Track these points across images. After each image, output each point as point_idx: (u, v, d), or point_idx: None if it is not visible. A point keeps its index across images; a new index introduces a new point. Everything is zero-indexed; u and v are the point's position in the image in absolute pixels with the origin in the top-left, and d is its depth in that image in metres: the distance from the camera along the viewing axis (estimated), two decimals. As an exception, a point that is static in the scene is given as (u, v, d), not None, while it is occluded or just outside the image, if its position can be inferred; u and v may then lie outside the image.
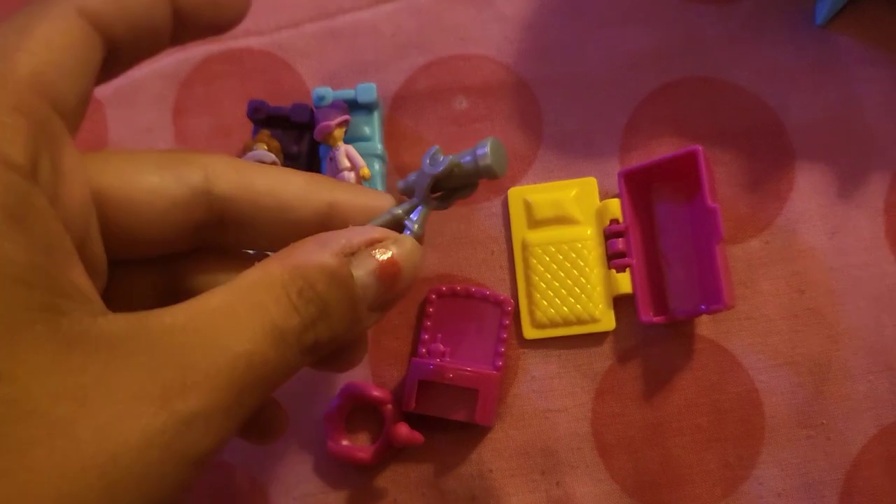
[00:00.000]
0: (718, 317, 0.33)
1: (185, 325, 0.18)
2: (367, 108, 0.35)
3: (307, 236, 0.21)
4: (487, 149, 0.24)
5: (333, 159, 0.34)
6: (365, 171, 0.34)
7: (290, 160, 0.35)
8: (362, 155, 0.34)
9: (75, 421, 0.16)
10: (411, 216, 0.24)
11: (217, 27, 0.23)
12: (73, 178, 0.19)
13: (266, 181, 0.23)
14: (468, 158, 0.24)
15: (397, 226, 0.24)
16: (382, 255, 0.21)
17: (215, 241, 0.23)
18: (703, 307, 0.31)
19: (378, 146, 0.35)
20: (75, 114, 0.20)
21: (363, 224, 0.23)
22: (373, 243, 0.21)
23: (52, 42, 0.19)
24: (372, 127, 0.35)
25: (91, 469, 0.15)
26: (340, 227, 0.22)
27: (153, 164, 0.22)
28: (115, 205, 0.21)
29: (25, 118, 0.18)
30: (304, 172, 0.24)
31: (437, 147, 0.25)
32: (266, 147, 0.34)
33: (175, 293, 0.24)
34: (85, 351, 0.16)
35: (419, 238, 0.24)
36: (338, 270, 0.20)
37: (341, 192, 0.23)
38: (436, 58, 0.37)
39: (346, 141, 0.34)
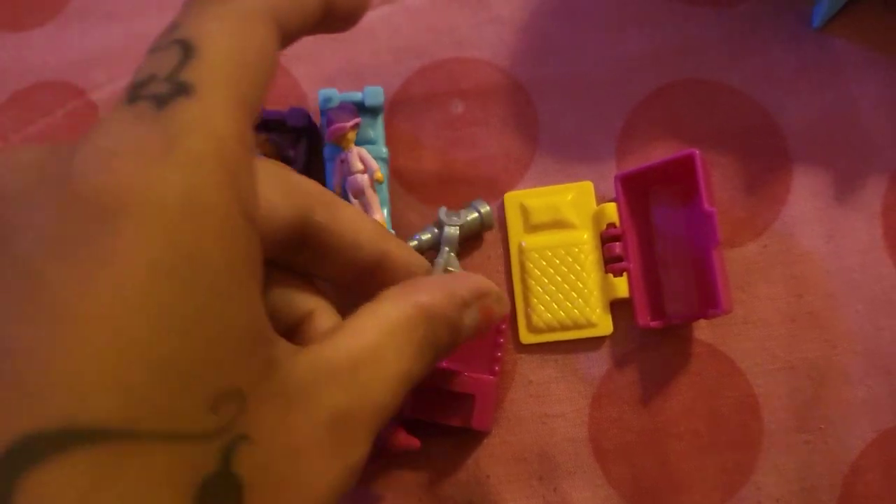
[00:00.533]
0: (716, 321, 0.32)
1: (350, 366, 0.19)
2: (373, 111, 0.35)
3: (362, 274, 0.25)
4: (486, 204, 0.34)
5: (345, 161, 0.33)
6: (379, 174, 0.34)
7: (286, 164, 0.35)
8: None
9: (298, 478, 0.17)
10: (450, 264, 0.32)
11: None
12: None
13: (349, 217, 0.25)
14: (474, 214, 0.33)
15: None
16: (487, 311, 0.24)
17: (289, 260, 0.24)
18: (700, 312, 0.31)
19: (383, 150, 0.35)
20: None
21: (404, 275, 0.26)
22: (483, 295, 0.24)
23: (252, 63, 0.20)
24: (376, 130, 0.35)
25: None
26: (386, 273, 0.25)
27: (272, 179, 0.23)
28: None
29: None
30: (371, 219, 0.26)
31: (444, 207, 0.33)
32: (262, 151, 0.34)
33: None
34: (292, 405, 0.18)
35: None
36: (456, 322, 0.23)
37: (394, 245, 0.26)
38: (432, 61, 0.37)
39: (355, 144, 0.34)
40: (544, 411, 0.32)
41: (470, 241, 0.34)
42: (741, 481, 0.31)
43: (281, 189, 0.23)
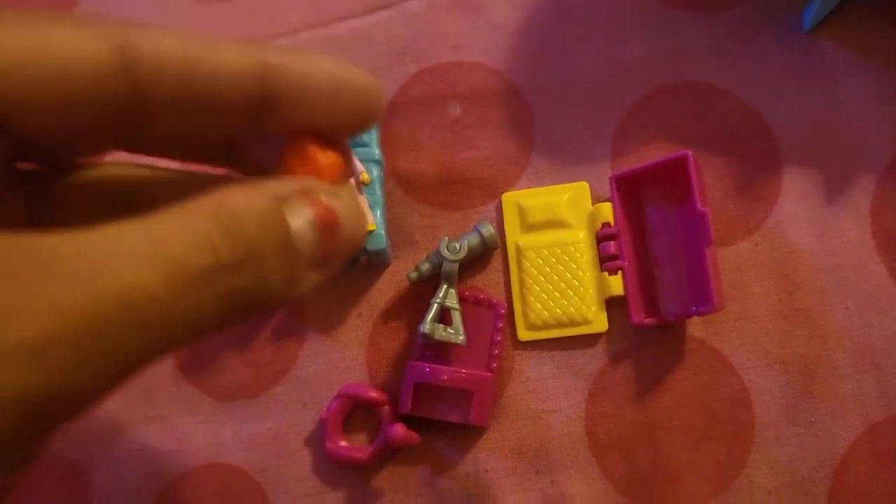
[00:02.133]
0: (709, 318, 0.33)
1: (57, 248, 0.15)
2: None
3: (239, 114, 0.19)
4: (489, 226, 0.34)
5: None
6: (365, 176, 0.34)
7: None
8: (361, 160, 0.34)
9: None
10: (447, 300, 0.32)
11: (323, 131, 0.20)
12: None
13: (194, 41, 0.18)
14: (476, 239, 0.33)
15: (442, 312, 0.31)
16: (319, 204, 0.18)
17: (139, 127, 0.19)
18: (693, 309, 0.31)
19: (376, 151, 0.35)
20: (20, 118, 0.17)
21: (307, 87, 0.19)
22: (307, 193, 0.18)
23: (49, 45, 0.16)
24: (370, 133, 0.35)
25: None
26: (280, 94, 0.19)
27: (48, 23, 0.17)
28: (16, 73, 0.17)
29: None
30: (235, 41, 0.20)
31: (445, 238, 0.33)
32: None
33: None
34: None
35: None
36: (271, 213, 0.17)
37: (281, 55, 0.19)
38: (429, 65, 0.37)
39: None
40: (541, 407, 0.33)
41: (476, 261, 0.35)
42: (734, 474, 0.32)
43: (91, 31, 0.17)
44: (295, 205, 0.18)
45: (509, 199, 0.35)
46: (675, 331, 0.33)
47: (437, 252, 0.34)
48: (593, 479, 0.32)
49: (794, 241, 0.34)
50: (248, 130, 0.19)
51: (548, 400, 0.33)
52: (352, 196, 0.19)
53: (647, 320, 0.32)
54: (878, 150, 0.34)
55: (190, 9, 0.39)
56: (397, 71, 0.37)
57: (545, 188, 0.35)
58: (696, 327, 0.33)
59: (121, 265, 0.15)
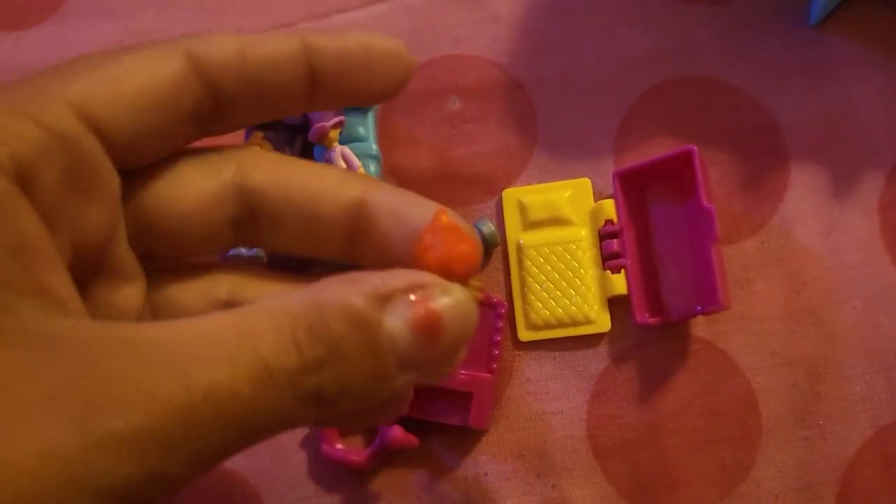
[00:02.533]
0: (714, 318, 0.33)
1: (153, 341, 0.16)
2: (362, 108, 0.35)
3: (297, 92, 0.20)
4: (490, 223, 0.33)
5: (329, 161, 0.34)
6: (361, 172, 0.34)
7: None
8: (358, 156, 0.34)
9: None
10: None
11: (367, 97, 0.22)
12: (94, 195, 0.19)
13: (300, 172, 0.21)
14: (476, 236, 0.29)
15: None
16: (424, 305, 0.17)
17: (253, 239, 0.22)
18: (698, 308, 0.31)
19: (373, 147, 0.34)
20: (130, 147, 0.19)
21: (397, 227, 0.20)
22: (415, 288, 0.17)
23: (133, 75, 0.19)
24: (366, 127, 0.35)
25: None
26: (371, 227, 0.20)
27: (183, 158, 0.21)
28: (145, 206, 0.20)
29: (38, 127, 0.17)
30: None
31: None
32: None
33: None
34: (16, 347, 0.15)
35: None
36: (361, 311, 0.17)
37: (375, 190, 0.20)
38: (429, 58, 0.37)
39: (342, 142, 0.34)
40: (542, 408, 0.32)
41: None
42: (740, 477, 0.31)
43: (203, 163, 0.21)
44: (395, 303, 0.17)
45: (510, 195, 0.34)
46: (679, 331, 0.33)
47: None
48: (595, 482, 0.32)
49: (800, 238, 0.33)
50: (306, 108, 0.21)
51: (549, 401, 0.33)
52: (464, 298, 0.18)
53: (650, 320, 0.32)
54: (887, 145, 0.34)
55: (187, 1, 0.38)
56: (396, 65, 0.37)
57: (546, 185, 0.34)
58: (700, 327, 0.33)
59: (211, 363, 0.15)
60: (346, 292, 0.17)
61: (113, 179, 0.19)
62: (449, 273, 0.19)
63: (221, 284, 0.22)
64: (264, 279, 0.22)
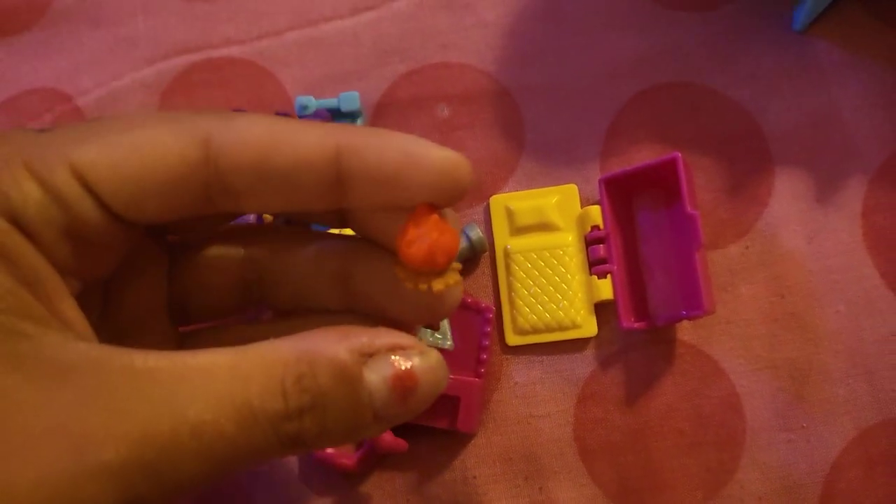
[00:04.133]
0: (699, 322, 0.33)
1: (151, 373, 0.17)
2: (351, 116, 0.35)
3: (318, 195, 0.20)
4: (477, 229, 0.33)
5: None
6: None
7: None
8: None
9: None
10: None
11: (406, 206, 0.20)
12: (96, 251, 0.20)
13: (276, 132, 0.20)
14: (464, 242, 0.32)
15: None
16: (402, 365, 0.19)
17: (230, 206, 0.21)
18: (683, 313, 0.31)
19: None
20: (132, 215, 0.19)
21: (379, 167, 0.20)
22: (396, 349, 0.19)
23: (141, 153, 0.19)
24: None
25: None
26: (353, 184, 0.20)
27: (141, 126, 0.20)
28: (108, 178, 0.19)
29: (41, 188, 0.18)
30: (318, 123, 0.21)
31: None
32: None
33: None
34: (25, 375, 0.16)
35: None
36: (347, 367, 0.18)
37: (351, 136, 0.20)
38: (417, 66, 0.37)
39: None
40: (530, 412, 0.33)
41: (464, 265, 0.34)
42: (725, 479, 0.32)
43: (177, 129, 0.20)
44: (377, 360, 0.19)
45: (497, 201, 0.35)
46: (665, 335, 0.33)
47: None
48: (582, 485, 0.32)
49: (785, 243, 0.33)
50: (328, 206, 0.20)
51: (536, 405, 0.33)
52: (437, 360, 0.20)
53: (636, 325, 0.32)
54: (870, 150, 0.34)
55: (176, 8, 0.38)
56: (385, 71, 0.37)
57: (533, 191, 0.35)
58: (686, 331, 0.33)
59: (201, 401, 0.17)
60: (336, 346, 0.18)
61: (115, 232, 0.20)
62: (432, 264, 0.20)
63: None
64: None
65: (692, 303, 0.30)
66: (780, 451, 0.32)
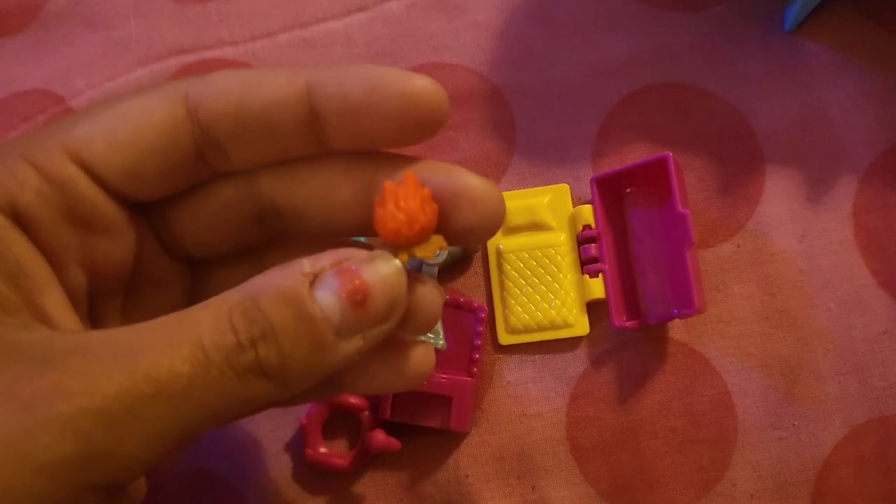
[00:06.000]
0: (691, 321, 0.33)
1: (108, 339, 0.18)
2: None
3: (297, 136, 0.20)
4: None
5: None
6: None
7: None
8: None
9: None
10: None
11: (384, 140, 0.20)
12: (98, 229, 0.20)
13: (245, 77, 0.21)
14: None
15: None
16: (348, 275, 0.19)
17: (221, 163, 0.21)
18: (675, 311, 0.31)
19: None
20: (128, 186, 0.20)
21: (345, 97, 0.20)
22: (336, 264, 0.19)
23: (128, 122, 0.20)
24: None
25: None
26: (324, 110, 0.20)
27: (126, 99, 0.21)
28: (102, 152, 0.20)
29: (37, 173, 0.19)
30: (285, 67, 0.22)
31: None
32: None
33: None
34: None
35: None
36: (288, 289, 0.18)
37: (316, 72, 0.20)
38: (409, 66, 0.37)
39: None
40: (522, 411, 0.33)
41: (456, 265, 0.35)
42: (716, 477, 0.32)
43: (159, 95, 0.20)
44: (323, 278, 0.19)
45: (490, 201, 0.35)
46: (656, 334, 0.33)
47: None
48: (574, 483, 0.32)
49: (776, 242, 0.34)
50: (310, 149, 0.21)
51: (529, 404, 0.33)
52: (389, 267, 0.19)
53: (628, 323, 0.32)
54: (861, 150, 0.34)
55: (169, 10, 0.38)
56: (377, 72, 0.37)
57: (525, 190, 0.35)
58: (677, 330, 0.33)
59: (153, 349, 0.17)
60: (278, 277, 0.19)
61: (115, 213, 0.20)
62: (397, 240, 0.20)
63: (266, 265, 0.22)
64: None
65: (683, 301, 0.31)
66: (772, 448, 0.32)
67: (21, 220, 0.19)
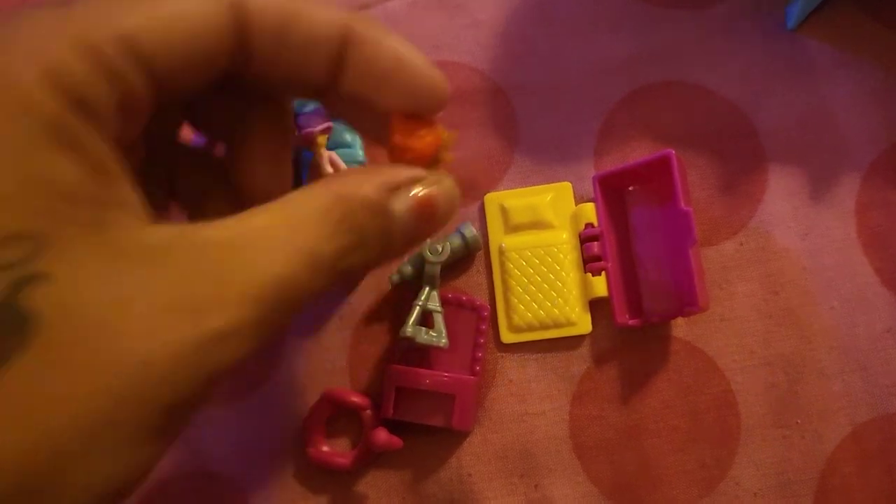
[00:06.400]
0: (693, 319, 0.33)
1: (227, 242, 0.19)
2: None
3: (321, 72, 0.22)
4: (473, 227, 0.33)
5: (317, 166, 0.34)
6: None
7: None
8: (345, 162, 0.34)
9: (117, 327, 0.17)
10: (429, 303, 0.30)
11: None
12: (131, 124, 0.21)
13: (292, 2, 0.22)
14: (458, 241, 0.33)
15: (424, 315, 0.30)
16: (421, 193, 0.22)
17: (245, 69, 0.22)
18: (677, 309, 0.31)
19: (359, 153, 0.35)
20: (171, 83, 0.20)
21: (376, 62, 0.22)
22: (415, 182, 0.22)
23: (183, 15, 0.20)
24: (353, 134, 0.35)
25: (125, 373, 0.17)
26: (357, 63, 0.22)
27: None
28: (158, 48, 0.20)
29: (99, 66, 0.19)
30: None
31: (427, 239, 0.32)
32: None
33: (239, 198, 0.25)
34: (130, 261, 0.18)
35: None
36: (378, 204, 0.21)
37: (359, 20, 0.22)
38: (411, 65, 0.37)
39: (329, 148, 0.34)
40: (525, 410, 0.33)
41: (459, 264, 0.35)
42: (719, 476, 0.32)
43: None
44: (401, 193, 0.21)
45: (492, 199, 0.35)
46: (659, 332, 0.33)
47: (419, 254, 0.33)
48: (578, 482, 0.32)
49: (779, 240, 0.33)
50: (325, 86, 0.22)
51: (531, 403, 0.33)
52: (450, 185, 0.22)
53: (631, 321, 0.32)
54: (863, 147, 0.34)
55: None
56: (379, 71, 0.37)
57: (528, 189, 0.35)
58: (680, 328, 0.33)
59: (275, 257, 0.19)
60: (366, 185, 0.21)
61: (147, 110, 0.21)
62: (422, 162, 0.23)
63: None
64: None
65: (686, 299, 0.31)
66: (775, 447, 0.32)
67: (87, 112, 0.19)
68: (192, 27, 0.20)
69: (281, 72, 0.22)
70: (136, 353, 0.17)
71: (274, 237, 0.19)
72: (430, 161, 0.23)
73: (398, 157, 0.23)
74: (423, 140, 0.23)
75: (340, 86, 0.22)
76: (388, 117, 0.23)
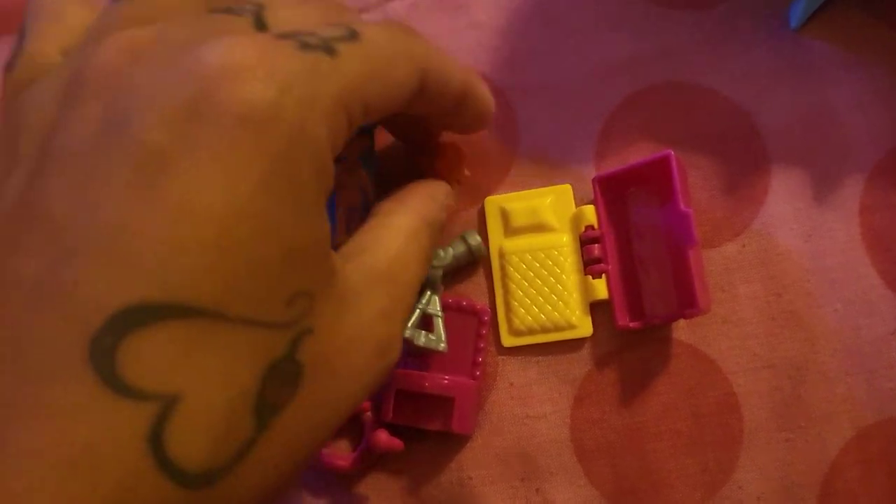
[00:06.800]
0: (695, 321, 0.33)
1: (386, 271, 0.24)
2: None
3: (405, 102, 0.24)
4: (477, 236, 0.34)
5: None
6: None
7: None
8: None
9: (342, 373, 0.21)
10: (430, 307, 0.32)
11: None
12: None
13: (438, 53, 0.25)
14: (462, 247, 0.33)
15: (425, 318, 0.32)
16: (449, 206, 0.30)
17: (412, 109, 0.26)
18: (679, 312, 0.31)
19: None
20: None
21: (480, 111, 0.28)
22: (447, 194, 0.30)
23: (395, 75, 0.23)
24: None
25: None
26: (468, 108, 0.27)
27: (393, 63, 0.24)
28: (378, 106, 0.23)
29: (348, 123, 0.21)
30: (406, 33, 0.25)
31: None
32: None
33: None
34: (345, 306, 0.21)
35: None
36: (441, 222, 0.29)
37: (473, 77, 0.27)
38: (411, 67, 0.37)
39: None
40: (526, 413, 0.33)
41: (461, 271, 0.35)
42: (722, 480, 0.31)
43: (400, 49, 0.23)
44: (443, 208, 0.30)
45: (492, 203, 0.35)
46: (661, 334, 0.33)
47: None
48: (579, 486, 0.32)
49: (781, 242, 0.33)
50: (402, 110, 0.25)
51: (532, 406, 0.33)
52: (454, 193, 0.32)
53: (632, 324, 0.32)
54: (867, 148, 0.34)
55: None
56: (379, 73, 0.37)
57: (528, 191, 0.35)
58: (682, 331, 0.33)
59: (407, 290, 0.25)
60: (433, 209, 0.28)
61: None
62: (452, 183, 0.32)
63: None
64: None
65: (687, 301, 0.30)
66: (778, 450, 0.31)
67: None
68: (402, 94, 0.23)
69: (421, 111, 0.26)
70: (355, 397, 0.22)
71: (409, 265, 0.25)
72: (455, 176, 0.32)
73: (441, 169, 0.32)
74: (462, 162, 0.33)
75: (413, 108, 0.25)
76: (433, 134, 0.32)
